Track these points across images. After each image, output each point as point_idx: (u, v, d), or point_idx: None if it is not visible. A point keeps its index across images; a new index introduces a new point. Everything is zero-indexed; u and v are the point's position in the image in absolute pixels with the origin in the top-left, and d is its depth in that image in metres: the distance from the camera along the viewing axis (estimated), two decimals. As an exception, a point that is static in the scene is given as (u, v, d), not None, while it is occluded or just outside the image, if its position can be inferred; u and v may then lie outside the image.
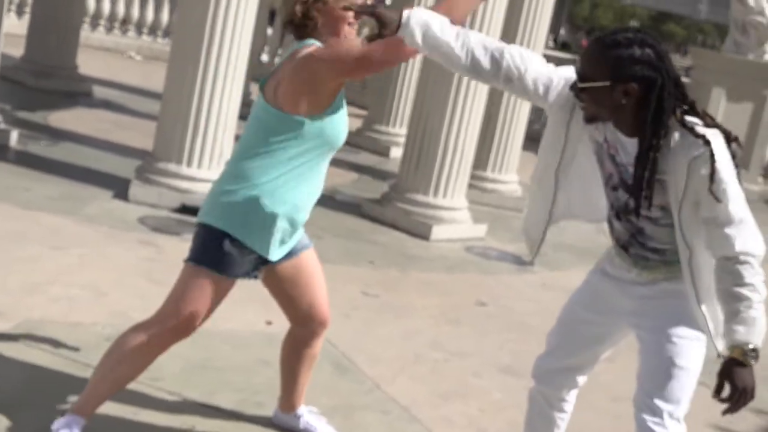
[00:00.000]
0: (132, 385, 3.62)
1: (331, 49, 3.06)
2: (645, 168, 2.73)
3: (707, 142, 2.66)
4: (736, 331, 2.73)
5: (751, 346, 2.73)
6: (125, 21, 15.95)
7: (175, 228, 6.12)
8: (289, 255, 3.33)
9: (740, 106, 12.04)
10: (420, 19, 2.85)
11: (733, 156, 2.74)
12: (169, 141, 6.55)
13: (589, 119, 2.79)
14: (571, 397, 3.24)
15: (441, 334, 5.29)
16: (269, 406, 3.84)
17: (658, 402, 2.81)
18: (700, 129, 2.70)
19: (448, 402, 4.42)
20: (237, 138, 6.90)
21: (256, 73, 9.86)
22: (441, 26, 2.86)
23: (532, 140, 10.18)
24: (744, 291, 2.71)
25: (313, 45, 3.12)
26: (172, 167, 6.53)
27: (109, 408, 3.48)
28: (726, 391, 2.77)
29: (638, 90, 2.68)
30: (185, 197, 6.44)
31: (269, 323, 4.80)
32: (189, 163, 6.54)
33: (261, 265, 3.25)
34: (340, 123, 3.15)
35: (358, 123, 10.85)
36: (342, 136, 3.18)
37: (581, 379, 3.22)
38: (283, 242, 3.23)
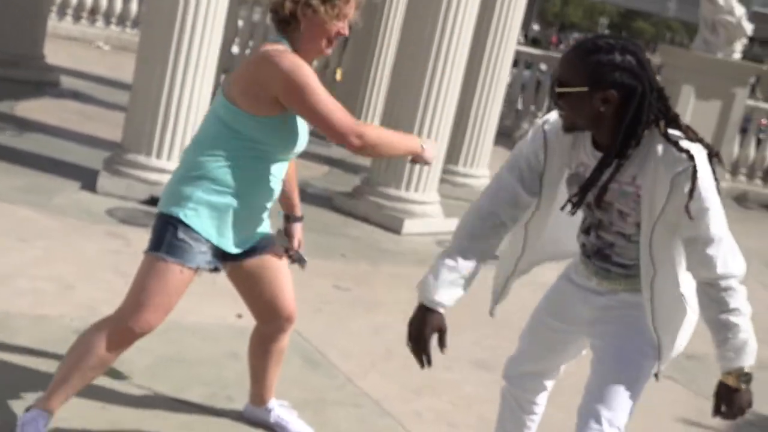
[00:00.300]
0: (100, 379, 3.58)
1: (295, 71, 2.96)
2: (602, 171, 2.64)
3: (691, 157, 2.56)
4: (728, 358, 2.71)
5: (744, 371, 2.72)
6: (93, 10, 15.79)
7: (143, 220, 6.05)
8: (254, 252, 3.31)
9: (709, 104, 12.13)
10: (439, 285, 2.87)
11: (713, 171, 2.66)
12: (139, 132, 6.48)
13: (568, 128, 2.69)
14: (541, 399, 3.21)
15: (412, 328, 5.27)
16: (240, 400, 3.81)
17: (601, 410, 2.74)
18: (684, 143, 2.60)
19: (419, 396, 4.41)
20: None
21: (227, 64, 9.80)
22: (450, 278, 2.86)
23: (502, 135, 10.24)
24: (731, 318, 2.67)
25: (279, 46, 3.05)
26: (141, 159, 6.47)
27: (77, 402, 3.43)
28: (723, 408, 2.81)
29: (617, 98, 2.58)
30: (154, 189, 6.37)
31: (239, 316, 4.76)
32: (158, 155, 6.47)
33: (221, 258, 3.22)
34: (294, 128, 3.09)
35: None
36: (297, 142, 3.12)
37: (549, 384, 3.20)
38: (239, 236, 3.19)
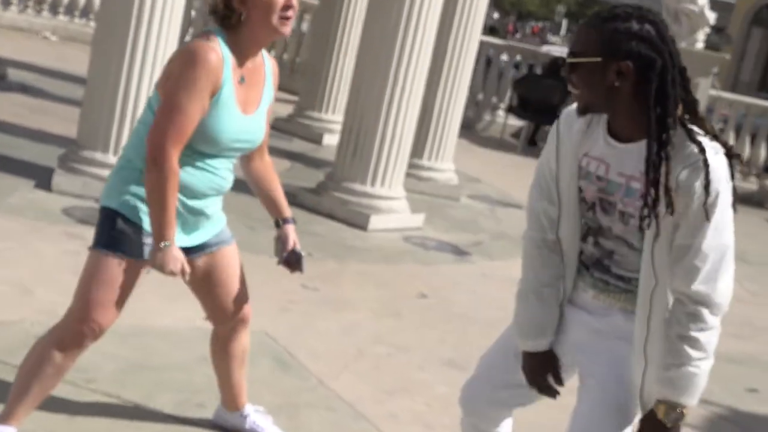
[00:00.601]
0: (65, 388, 3.53)
1: (187, 63, 2.94)
2: (657, 170, 2.38)
3: (702, 150, 2.36)
4: (666, 386, 2.47)
5: (678, 407, 2.47)
6: (40, 0, 15.54)
7: (102, 219, 5.97)
8: (203, 249, 3.28)
9: (673, 93, 12.25)
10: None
11: (732, 177, 2.43)
12: (95, 128, 6.39)
13: (581, 109, 2.51)
14: (505, 427, 2.98)
15: (382, 327, 5.27)
16: (212, 407, 3.77)
17: None
18: (699, 137, 2.40)
19: (393, 397, 4.41)
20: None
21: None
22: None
23: (464, 127, 10.25)
24: (686, 347, 2.43)
25: (203, 38, 3.00)
26: (98, 156, 6.38)
27: (42, 413, 3.38)
28: None
29: (633, 70, 2.38)
30: (112, 187, 6.29)
31: (206, 318, 4.72)
32: (116, 152, 6.37)
33: None
34: (217, 123, 3.01)
35: (288, 109, 10.76)
36: (220, 136, 3.04)
37: (509, 414, 2.97)
38: (183, 229, 3.15)
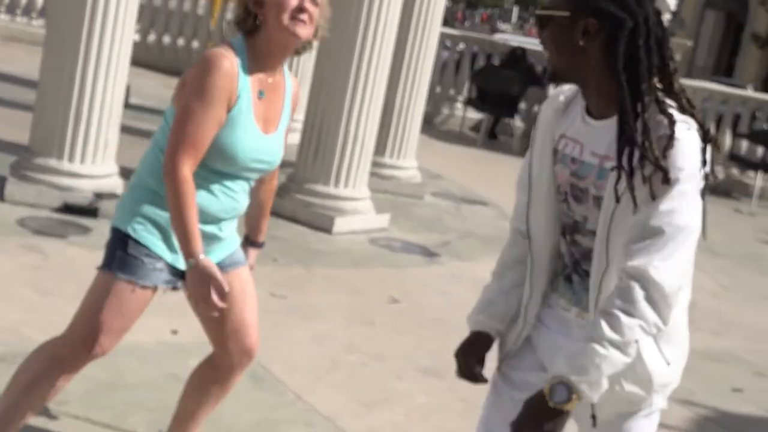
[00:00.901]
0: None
1: (203, 71, 2.89)
2: (632, 142, 2.22)
3: (672, 122, 2.21)
4: (567, 360, 2.21)
5: (569, 388, 2.16)
6: (-23, -3, 15.26)
7: (59, 230, 5.89)
8: None
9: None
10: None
11: (704, 160, 2.25)
12: (48, 134, 6.28)
13: (551, 75, 2.38)
14: None
15: (355, 335, 5.25)
16: (188, 427, 3.72)
17: None
18: (672, 110, 2.25)
19: (372, 410, 4.39)
20: (123, 129, 6.72)
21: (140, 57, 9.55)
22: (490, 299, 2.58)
23: (424, 122, 10.24)
24: (602, 322, 2.18)
25: (222, 47, 2.96)
26: (53, 163, 6.27)
27: (12, 439, 3.31)
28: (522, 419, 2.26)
29: (598, 29, 2.25)
30: (68, 195, 6.20)
31: (174, 332, 4.68)
32: (71, 158, 6.29)
33: (181, 276, 3.12)
34: (234, 138, 2.94)
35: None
36: (243, 156, 2.97)
37: None
38: None
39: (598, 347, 2.16)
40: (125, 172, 6.68)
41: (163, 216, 2.99)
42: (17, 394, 3.07)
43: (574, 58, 2.31)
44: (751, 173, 12.76)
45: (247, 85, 2.94)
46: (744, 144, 13.11)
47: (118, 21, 6.21)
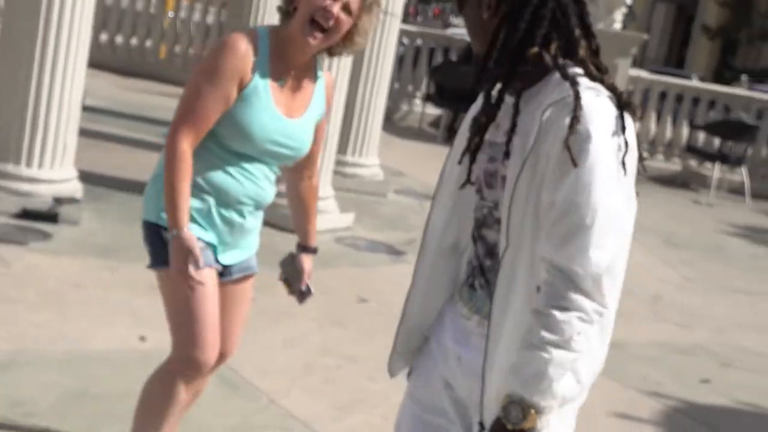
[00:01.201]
0: None
1: (217, 49, 2.91)
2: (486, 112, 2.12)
3: (574, 83, 2.03)
4: (512, 374, 2.02)
5: (524, 405, 1.99)
6: None
7: (18, 236, 5.77)
8: (227, 274, 3.12)
9: (592, 76, 12.44)
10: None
11: (623, 127, 2.03)
12: (5, 139, 6.15)
13: (475, 62, 2.24)
14: None
15: (328, 337, 5.22)
16: (163, 436, 3.66)
17: None
18: (579, 77, 2.07)
19: (348, 412, 4.36)
20: (81, 132, 6.61)
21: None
22: None
23: (386, 119, 10.23)
24: (536, 325, 2.00)
25: (235, 33, 2.93)
26: (10, 168, 6.14)
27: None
28: None
29: (498, 1, 2.12)
30: (26, 201, 6.09)
31: (143, 339, 4.62)
32: (28, 163, 6.17)
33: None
34: (256, 118, 2.92)
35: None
36: (260, 134, 2.94)
37: None
38: (224, 243, 3.02)
39: (538, 353, 1.98)
40: (84, 176, 6.59)
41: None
42: (150, 422, 3.07)
43: (478, 33, 2.19)
44: (708, 164, 12.90)
45: (264, 69, 2.91)
46: (701, 136, 13.25)
47: (74, 23, 6.11)
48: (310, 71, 3.06)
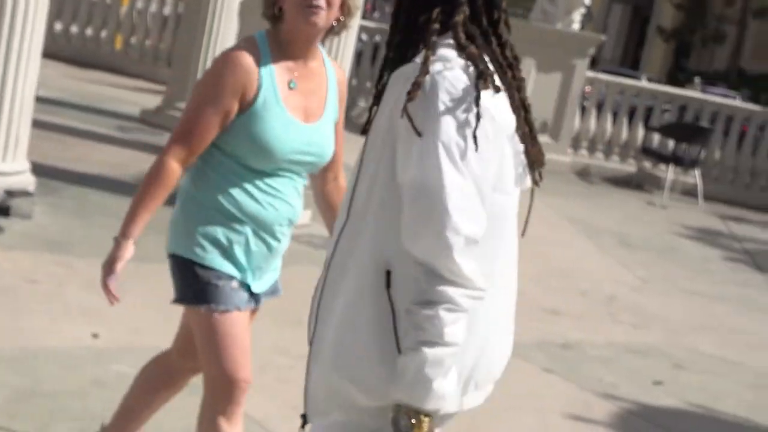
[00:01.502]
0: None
1: (216, 66, 2.86)
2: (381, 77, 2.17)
3: (428, 52, 2.00)
4: (396, 380, 1.99)
5: (409, 412, 1.97)
6: None
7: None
8: (257, 302, 3.06)
9: (550, 76, 12.52)
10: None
11: (475, 108, 1.95)
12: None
13: None
14: None
15: (283, 337, 5.18)
16: (114, 435, 3.61)
17: None
18: (442, 46, 2.05)
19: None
20: (34, 123, 6.50)
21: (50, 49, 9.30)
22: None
23: (345, 116, 10.19)
24: (408, 324, 1.97)
25: (234, 46, 2.91)
26: (-32, 168, 6.04)
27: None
28: None
29: None
30: (-21, 198, 5.99)
31: (95, 336, 4.56)
32: (-11, 163, 6.07)
33: (251, 295, 2.99)
34: (275, 131, 2.83)
35: (156, 100, 10.49)
36: (281, 148, 2.84)
37: None
38: (255, 269, 2.96)
39: (413, 355, 1.94)
40: (36, 169, 6.48)
41: (219, 230, 2.87)
42: None
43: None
44: (662, 166, 13.02)
45: (272, 77, 2.84)
46: (656, 137, 13.37)
47: (28, 12, 5.99)
48: (319, 70, 2.98)
